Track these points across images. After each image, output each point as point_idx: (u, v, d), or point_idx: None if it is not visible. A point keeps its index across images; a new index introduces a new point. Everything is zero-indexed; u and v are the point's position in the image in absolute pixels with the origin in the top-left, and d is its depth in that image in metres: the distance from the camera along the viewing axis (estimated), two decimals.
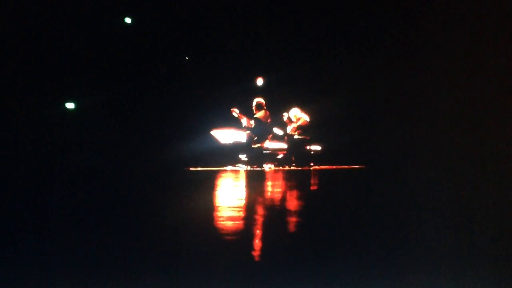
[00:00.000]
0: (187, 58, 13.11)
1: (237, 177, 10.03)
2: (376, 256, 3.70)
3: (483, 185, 7.98)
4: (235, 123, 12.05)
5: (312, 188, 8.90)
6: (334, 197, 7.16)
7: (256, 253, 3.90)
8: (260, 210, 5.94)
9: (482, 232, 4.55)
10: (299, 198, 7.25)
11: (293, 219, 5.39)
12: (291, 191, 8.20)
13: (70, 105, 12.05)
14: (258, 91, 12.61)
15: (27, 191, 7.34)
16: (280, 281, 3.19)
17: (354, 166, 11.81)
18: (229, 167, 11.66)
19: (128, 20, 12.42)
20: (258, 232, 4.71)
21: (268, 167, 11.94)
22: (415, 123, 12.69)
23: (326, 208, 6.11)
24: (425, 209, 5.81)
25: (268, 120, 12.13)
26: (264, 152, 12.05)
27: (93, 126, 11.93)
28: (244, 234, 4.51)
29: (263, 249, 4.05)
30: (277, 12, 12.86)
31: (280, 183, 9.32)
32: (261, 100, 12.13)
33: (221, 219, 5.22)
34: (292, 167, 11.97)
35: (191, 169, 11.17)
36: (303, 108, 12.35)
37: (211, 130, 11.98)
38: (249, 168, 11.73)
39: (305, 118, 12.28)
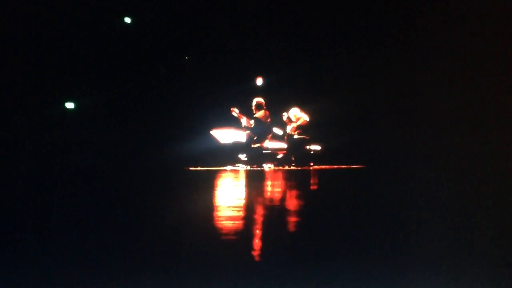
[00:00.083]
0: (186, 58, 13.11)
1: (236, 177, 10.03)
2: (376, 256, 3.70)
3: (483, 185, 7.98)
4: (235, 123, 12.05)
5: (311, 187, 8.90)
6: (334, 197, 7.16)
7: (255, 253, 3.90)
8: (259, 210, 5.94)
9: (482, 232, 4.55)
10: (298, 198, 7.25)
11: (292, 219, 5.39)
12: (290, 191, 8.20)
13: (70, 105, 12.05)
14: (258, 91, 12.61)
15: (27, 191, 7.34)
16: (280, 281, 3.19)
17: (353, 166, 11.81)
18: (229, 167, 11.66)
19: (128, 20, 12.42)
20: (257, 232, 4.71)
21: (267, 167, 11.94)
22: (414, 123, 12.69)
23: (325, 208, 6.11)
24: (425, 209, 5.81)
25: (268, 120, 12.13)
26: (263, 152, 12.06)
27: (93, 126, 11.93)
28: (244, 234, 4.51)
29: (262, 249, 4.05)
30: (277, 12, 12.86)
31: (280, 183, 9.32)
32: (261, 100, 12.13)
33: (220, 219, 5.22)
34: (292, 167, 11.97)
35: (191, 169, 11.17)
36: (303, 108, 12.36)
37: (211, 130, 11.98)
38: (248, 168, 11.73)
39: (304, 117, 12.29)
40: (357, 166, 11.77)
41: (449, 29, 12.34)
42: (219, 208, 6.01)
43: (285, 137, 12.27)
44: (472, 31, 12.17)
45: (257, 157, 11.96)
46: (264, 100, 12.16)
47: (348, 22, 12.91)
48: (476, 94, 12.24)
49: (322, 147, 12.29)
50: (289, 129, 12.28)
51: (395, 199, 6.59)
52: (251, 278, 3.24)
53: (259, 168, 11.77)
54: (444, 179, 9.13)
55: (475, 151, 11.57)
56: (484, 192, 7.16)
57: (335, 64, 12.84)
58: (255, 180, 9.57)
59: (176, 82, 12.76)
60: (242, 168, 11.72)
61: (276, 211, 5.83)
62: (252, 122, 12.03)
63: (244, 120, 12.01)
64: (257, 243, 4.27)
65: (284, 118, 12.34)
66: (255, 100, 12.11)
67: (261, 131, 12.04)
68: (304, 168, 11.91)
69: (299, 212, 5.83)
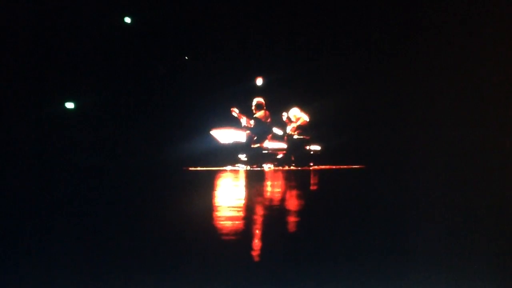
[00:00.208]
0: (186, 58, 13.12)
1: (236, 177, 10.03)
2: (376, 256, 3.70)
3: (483, 185, 7.98)
4: (234, 123, 12.05)
5: (311, 188, 8.90)
6: (334, 197, 7.16)
7: (255, 253, 3.90)
8: (259, 210, 5.95)
9: (482, 232, 4.55)
10: (298, 198, 7.25)
11: (292, 219, 5.39)
12: (290, 191, 8.20)
13: (70, 105, 12.05)
14: (258, 91, 12.62)
15: (27, 190, 7.34)
16: (279, 282, 3.19)
17: (353, 166, 11.82)
18: (229, 167, 11.67)
19: (128, 20, 12.42)
20: (257, 232, 4.72)
21: (267, 167, 11.94)
22: (414, 123, 12.70)
23: (325, 208, 6.12)
24: (425, 209, 5.81)
25: (268, 120, 12.13)
26: (263, 152, 12.06)
27: (93, 126, 11.94)
28: (244, 234, 4.51)
29: (262, 249, 4.05)
30: (276, 12, 12.86)
31: (280, 183, 9.32)
32: (261, 100, 12.13)
33: (220, 219, 5.22)
34: (292, 167, 11.97)
35: (190, 169, 11.17)
36: (303, 108, 12.36)
37: (211, 130, 11.98)
38: (248, 168, 11.73)
39: (304, 118, 12.29)
40: (357, 166, 11.77)
41: (449, 30, 12.35)
42: (219, 208, 6.01)
43: (285, 137, 12.27)
44: (471, 31, 12.18)
45: (257, 157, 11.96)
46: (264, 100, 12.16)
47: (348, 23, 12.91)
48: (476, 95, 12.24)
49: (322, 147, 12.30)
50: (289, 129, 12.29)
51: (395, 199, 6.59)
52: (251, 278, 3.24)
53: (259, 168, 11.77)
54: (443, 179, 9.13)
55: (475, 151, 11.57)
56: (484, 192, 7.16)
57: (335, 65, 12.85)
58: (255, 180, 9.58)
59: (176, 82, 12.77)
60: (242, 168, 11.72)
61: (275, 211, 5.83)
62: (252, 122, 12.04)
63: (243, 120, 12.01)
64: (256, 243, 4.28)
65: (284, 118, 12.34)
66: (255, 100, 12.11)
67: (261, 131, 12.04)
68: (304, 168, 11.91)
69: (299, 212, 5.84)
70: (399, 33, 12.77)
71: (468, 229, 4.71)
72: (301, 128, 12.23)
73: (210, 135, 11.95)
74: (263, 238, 4.48)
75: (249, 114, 12.11)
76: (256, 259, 3.75)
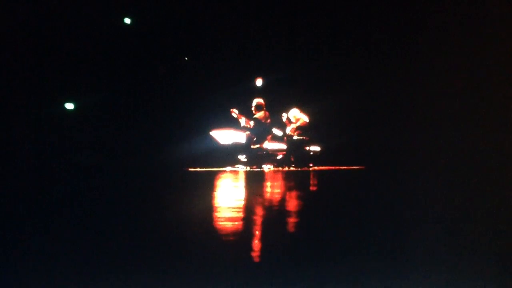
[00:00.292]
0: (186, 58, 13.12)
1: (236, 178, 10.03)
2: (375, 257, 3.71)
3: (483, 185, 7.99)
4: (234, 123, 12.05)
5: (311, 188, 8.91)
6: (333, 198, 7.17)
7: (255, 254, 3.91)
8: (259, 211, 5.95)
9: (482, 233, 4.56)
10: (298, 198, 7.25)
11: (292, 220, 5.39)
12: (290, 192, 8.21)
13: (70, 106, 12.06)
14: (258, 92, 12.62)
15: (26, 190, 7.34)
16: (279, 282, 3.20)
17: (353, 167, 11.82)
18: (229, 168, 11.67)
19: (128, 20, 12.43)
20: (257, 233, 4.72)
21: (267, 167, 11.94)
22: (414, 124, 12.71)
23: (325, 208, 6.12)
24: (425, 209, 5.81)
25: (268, 121, 12.13)
26: (263, 152, 12.06)
27: (93, 127, 11.95)
28: (243, 235, 4.52)
29: (262, 250, 4.05)
30: (276, 13, 12.87)
31: (279, 183, 9.33)
32: (260, 100, 12.13)
33: (220, 219, 5.23)
34: (291, 168, 11.97)
35: (190, 169, 11.17)
36: (303, 109, 12.36)
37: (211, 131, 11.99)
38: (248, 168, 11.73)
39: (304, 118, 12.29)
40: (357, 167, 11.78)
41: (448, 31, 12.35)
42: (218, 209, 6.01)
43: (285, 138, 12.27)
44: (471, 32, 12.18)
45: (257, 158, 11.97)
46: (264, 101, 12.16)
47: (348, 24, 12.92)
48: (476, 95, 12.25)
49: (321, 148, 12.30)
50: (288, 130, 12.29)
51: (394, 199, 6.60)
52: (251, 279, 3.24)
53: (258, 169, 11.77)
54: (444, 179, 9.13)
55: (475, 151, 11.58)
56: (484, 192, 7.17)
57: (334, 65, 12.86)
58: (254, 181, 9.58)
59: (176, 82, 12.77)
60: (241, 169, 11.73)
61: (275, 212, 5.84)
62: (251, 122, 12.04)
63: (243, 120, 12.01)
64: (256, 244, 4.28)
65: (284, 119, 12.35)
66: (255, 101, 12.11)
67: (260, 132, 12.04)
68: (303, 169, 11.91)
69: (299, 213, 5.84)
70: (398, 34, 12.78)
71: (468, 229, 4.71)
72: (300, 129, 12.24)
73: (210, 135, 11.95)
74: (263, 238, 4.48)
75: (249, 115, 12.11)
76: (256, 259, 3.76)
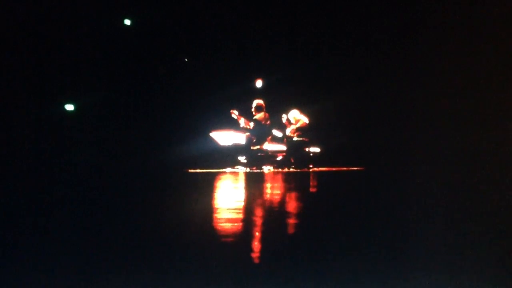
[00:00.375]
0: (186, 59, 13.12)
1: (236, 179, 10.03)
2: (376, 258, 3.70)
3: (483, 187, 7.98)
4: (234, 124, 12.06)
5: (311, 190, 8.90)
6: (333, 199, 7.16)
7: (255, 255, 3.90)
8: (259, 212, 5.95)
9: (482, 233, 4.55)
10: (298, 200, 7.25)
11: (292, 221, 5.39)
12: (290, 193, 8.20)
13: (69, 106, 12.06)
14: (258, 93, 12.63)
15: (27, 190, 7.34)
16: (279, 283, 3.19)
17: (353, 168, 11.82)
18: (228, 169, 11.67)
19: (127, 21, 12.43)
20: (257, 234, 4.72)
21: (267, 169, 11.94)
22: (414, 124, 12.71)
23: (325, 210, 6.12)
24: (425, 211, 5.81)
25: (267, 122, 12.14)
26: (263, 154, 12.06)
27: (93, 127, 11.95)
28: (243, 236, 4.51)
29: (262, 251, 4.05)
30: (276, 14, 12.88)
31: (279, 185, 9.32)
32: (260, 102, 12.13)
33: (220, 221, 5.22)
34: (291, 169, 11.97)
35: (190, 170, 11.17)
36: (302, 110, 12.36)
37: (211, 132, 11.99)
38: (248, 170, 11.73)
39: (304, 120, 12.29)
40: (357, 168, 11.77)
41: (448, 31, 12.35)
42: (218, 210, 6.01)
43: (285, 139, 12.27)
44: (471, 32, 12.19)
45: (257, 159, 11.97)
46: (264, 102, 12.16)
47: (347, 24, 12.93)
48: (475, 97, 12.25)
49: (321, 149, 12.30)
50: (288, 131, 12.29)
51: (394, 201, 6.59)
52: (250, 280, 3.24)
53: (258, 170, 11.77)
54: (444, 180, 9.13)
55: (475, 152, 11.58)
56: (484, 193, 7.16)
57: (334, 66, 12.86)
58: (254, 182, 9.58)
59: (175, 83, 12.78)
60: (241, 170, 11.72)
61: (275, 214, 5.83)
62: (251, 124, 12.04)
63: (242, 121, 12.01)
64: (256, 245, 4.27)
65: (284, 120, 12.35)
66: (255, 102, 12.12)
67: (260, 133, 12.04)
68: (303, 170, 11.91)
69: (298, 214, 5.84)
70: (397, 35, 12.78)
71: (468, 230, 4.71)
72: (300, 130, 12.24)
73: (210, 136, 11.95)
74: (263, 240, 4.48)
75: (249, 116, 12.11)
76: (256, 260, 3.75)
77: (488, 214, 5.53)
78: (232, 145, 11.96)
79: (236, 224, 5.00)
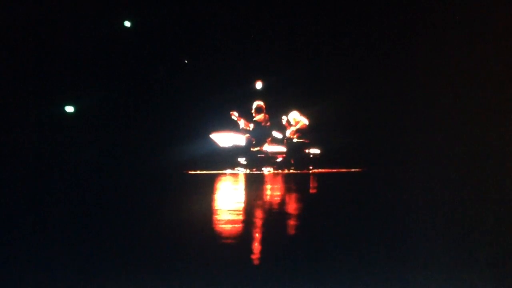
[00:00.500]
0: (186, 61, 13.13)
1: (236, 181, 10.03)
2: (376, 259, 3.70)
3: (483, 188, 7.98)
4: (234, 126, 12.06)
5: (311, 191, 8.90)
6: (333, 201, 7.16)
7: (255, 257, 3.90)
8: (259, 214, 5.94)
9: (482, 233, 4.55)
10: (298, 201, 7.25)
11: (292, 223, 5.39)
12: (290, 194, 8.20)
13: (70, 108, 12.06)
14: (257, 94, 12.63)
15: (27, 191, 7.34)
16: (279, 284, 3.19)
17: (353, 170, 11.81)
18: (228, 171, 11.66)
19: (127, 23, 12.44)
20: (257, 235, 4.71)
21: (267, 170, 11.94)
22: (414, 126, 12.70)
23: (325, 211, 6.11)
24: (425, 212, 5.81)
25: (267, 124, 12.14)
26: (263, 155, 12.05)
27: (93, 129, 11.94)
28: (243, 237, 4.51)
29: (262, 252, 4.05)
30: (276, 15, 12.88)
31: (279, 186, 9.32)
32: (260, 103, 12.14)
33: (220, 222, 5.22)
34: (291, 171, 11.97)
35: (190, 172, 11.17)
36: (302, 112, 12.36)
37: (211, 133, 11.99)
38: (248, 171, 11.73)
39: (304, 121, 12.29)
40: (357, 170, 11.77)
41: (448, 32, 12.36)
42: (218, 212, 6.01)
43: (285, 140, 12.27)
44: (471, 33, 12.19)
45: (257, 160, 11.96)
46: (264, 104, 12.16)
47: (347, 26, 12.93)
48: (475, 97, 12.24)
49: (321, 151, 12.30)
50: (288, 132, 12.29)
51: (394, 202, 6.59)
52: (250, 281, 3.24)
53: (258, 172, 11.77)
54: (443, 181, 9.13)
55: (475, 154, 11.57)
56: (484, 193, 7.16)
57: (334, 67, 12.86)
58: (254, 184, 9.58)
59: (175, 85, 12.78)
60: (241, 171, 11.72)
61: (275, 215, 5.83)
62: (251, 125, 12.04)
63: (242, 123, 12.00)
64: (256, 246, 4.27)
65: (284, 122, 12.35)
66: (255, 104, 12.12)
67: (260, 135, 12.04)
68: (303, 171, 11.91)
69: (298, 216, 5.83)
70: (397, 35, 12.79)
71: (469, 230, 4.71)
72: (300, 132, 12.23)
73: (210, 138, 11.95)
74: (263, 241, 4.48)
75: (249, 118, 12.12)
76: (256, 262, 3.75)
77: (488, 214, 5.52)
78: (232, 147, 11.96)
79: (236, 225, 5.00)
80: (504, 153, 11.13)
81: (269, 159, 12.11)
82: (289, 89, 12.81)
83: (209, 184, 9.35)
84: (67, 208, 6.05)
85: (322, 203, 6.97)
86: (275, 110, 12.34)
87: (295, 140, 12.20)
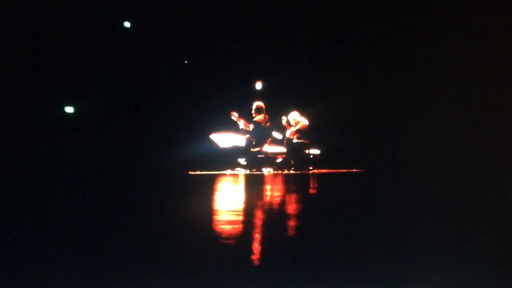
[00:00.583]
0: (186, 61, 13.13)
1: (236, 181, 10.03)
2: (376, 260, 3.70)
3: (483, 188, 7.98)
4: (234, 126, 12.05)
5: (311, 192, 8.90)
6: (333, 201, 7.16)
7: (255, 257, 3.90)
8: (259, 214, 5.94)
9: (482, 233, 4.55)
10: (298, 202, 7.25)
11: (292, 223, 5.39)
12: (290, 195, 8.20)
13: (70, 108, 12.07)
14: (257, 95, 12.63)
15: (27, 191, 7.34)
16: (279, 285, 3.19)
17: (353, 170, 11.81)
18: (228, 171, 11.66)
19: (127, 23, 12.45)
20: (257, 236, 4.71)
21: (267, 171, 11.94)
22: (414, 126, 12.71)
23: (325, 211, 6.11)
24: (425, 212, 5.81)
25: (267, 124, 12.13)
26: (259, 156, 12.05)
27: (93, 130, 11.95)
28: (243, 237, 4.51)
29: (262, 253, 4.05)
30: (276, 16, 12.89)
31: (279, 187, 9.32)
32: (260, 103, 12.13)
33: (220, 222, 5.22)
34: (291, 171, 11.97)
35: (190, 172, 11.17)
36: (302, 112, 12.36)
37: (210, 134, 11.99)
38: (248, 172, 11.73)
39: (304, 122, 12.29)
40: (356, 170, 11.77)
41: (448, 32, 12.36)
42: (218, 212, 6.01)
43: (285, 141, 12.27)
44: (471, 34, 12.19)
45: (257, 161, 11.96)
46: (264, 104, 12.16)
47: (347, 27, 12.94)
48: (475, 98, 12.25)
49: (321, 151, 12.30)
50: (288, 133, 12.29)
51: (394, 202, 6.59)
52: (251, 281, 3.24)
53: (258, 172, 11.77)
54: (443, 181, 9.13)
55: (475, 153, 11.58)
56: (484, 194, 7.16)
57: (334, 68, 12.87)
58: (254, 184, 9.57)
59: (175, 85, 12.79)
60: (241, 172, 11.72)
61: (275, 215, 5.83)
62: (251, 126, 12.04)
63: (242, 123, 12.00)
64: (256, 247, 4.27)
65: (284, 122, 12.35)
66: (255, 104, 12.12)
67: (260, 135, 12.04)
68: (303, 172, 11.91)
69: (298, 216, 5.83)
70: (397, 35, 12.79)
71: (469, 230, 4.71)
72: (300, 132, 12.23)
73: (210, 138, 11.95)
74: (263, 241, 4.48)
75: (249, 118, 12.11)
76: (256, 262, 3.75)
77: (488, 214, 5.52)
78: (232, 147, 11.96)
79: (236, 225, 5.00)
80: (504, 153, 11.13)
81: (269, 159, 12.11)
82: (289, 89, 12.81)
83: (209, 184, 9.35)
84: (68, 208, 6.05)
85: (322, 204, 6.97)
86: (275, 111, 12.34)
87: (295, 140, 12.20)
